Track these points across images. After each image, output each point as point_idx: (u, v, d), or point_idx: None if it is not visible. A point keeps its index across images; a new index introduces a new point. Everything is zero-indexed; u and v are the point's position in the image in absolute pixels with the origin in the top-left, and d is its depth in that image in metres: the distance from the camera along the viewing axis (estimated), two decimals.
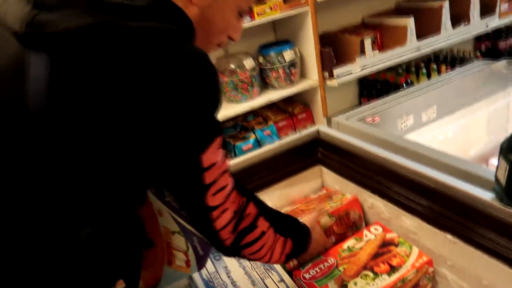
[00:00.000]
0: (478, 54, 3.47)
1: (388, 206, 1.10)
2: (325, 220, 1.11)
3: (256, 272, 1.06)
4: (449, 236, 0.92)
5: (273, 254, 0.85)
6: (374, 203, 1.16)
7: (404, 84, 2.93)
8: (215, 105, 0.69)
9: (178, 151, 0.67)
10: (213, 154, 0.70)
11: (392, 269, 0.95)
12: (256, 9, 2.32)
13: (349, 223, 1.16)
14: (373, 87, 3.00)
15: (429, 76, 3.05)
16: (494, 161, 1.42)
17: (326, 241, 1.09)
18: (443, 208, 0.92)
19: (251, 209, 0.81)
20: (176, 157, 0.68)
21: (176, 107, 0.63)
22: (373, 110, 1.48)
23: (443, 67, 3.10)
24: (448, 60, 3.17)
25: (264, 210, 0.84)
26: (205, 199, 0.72)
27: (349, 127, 1.37)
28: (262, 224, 0.82)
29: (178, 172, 0.70)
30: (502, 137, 0.81)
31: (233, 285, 1.02)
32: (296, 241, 0.91)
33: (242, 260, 1.10)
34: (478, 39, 3.45)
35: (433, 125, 1.54)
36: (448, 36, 2.84)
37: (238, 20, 0.81)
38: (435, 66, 3.08)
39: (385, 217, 1.13)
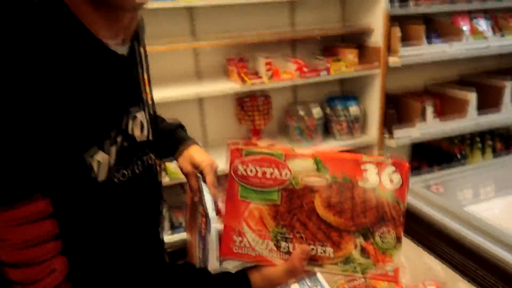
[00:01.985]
0: None
1: (446, 270, 1.22)
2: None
3: None
4: None
5: None
6: (432, 266, 1.29)
7: (458, 155, 3.03)
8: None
9: None
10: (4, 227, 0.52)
11: None
12: (333, 65, 2.53)
13: None
14: (427, 153, 3.11)
15: (483, 151, 3.13)
16: None
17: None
18: (500, 281, 1.05)
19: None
20: None
21: None
22: (432, 177, 1.61)
23: (499, 145, 3.18)
24: (504, 138, 3.25)
25: None
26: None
27: (413, 192, 1.52)
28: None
29: None
30: None
31: None
32: None
33: None
34: None
35: (493, 201, 1.65)
36: (508, 117, 2.94)
37: None
38: (490, 142, 3.16)
39: (441, 280, 1.25)
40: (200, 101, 2.68)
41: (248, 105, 2.60)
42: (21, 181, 0.52)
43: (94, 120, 0.60)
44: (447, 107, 3.02)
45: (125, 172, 0.67)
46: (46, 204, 0.53)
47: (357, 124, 2.77)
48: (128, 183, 0.68)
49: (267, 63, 2.41)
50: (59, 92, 0.54)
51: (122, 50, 0.68)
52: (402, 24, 2.68)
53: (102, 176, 0.61)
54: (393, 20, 2.70)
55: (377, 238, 0.64)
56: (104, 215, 0.63)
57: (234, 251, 0.66)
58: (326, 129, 2.82)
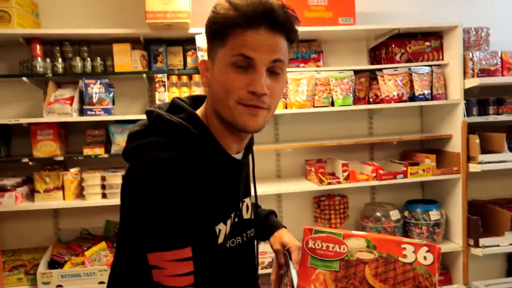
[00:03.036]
0: None
1: None
2: None
3: None
4: None
5: None
6: None
7: None
8: (163, 214, 0.79)
9: (133, 246, 0.83)
10: (160, 260, 0.79)
11: None
12: (410, 169, 2.60)
13: None
14: None
15: None
16: None
17: None
18: None
19: None
20: (132, 250, 0.83)
21: (128, 207, 0.83)
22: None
23: None
24: None
25: None
26: None
27: None
28: None
29: (133, 265, 0.84)
30: None
31: None
32: None
33: None
34: None
35: None
36: None
37: (237, 73, 0.84)
38: None
39: None
40: (278, 197, 2.86)
41: (325, 204, 2.71)
42: (185, 236, 0.81)
43: (224, 205, 0.93)
44: None
45: (234, 240, 0.98)
46: (191, 251, 0.81)
47: (438, 229, 2.70)
48: (236, 249, 0.98)
49: (343, 165, 2.56)
50: (205, 190, 0.87)
51: (239, 156, 0.98)
52: (482, 131, 2.73)
53: (221, 240, 0.91)
54: (472, 127, 2.76)
55: None
56: (219, 270, 0.93)
57: None
58: (406, 234, 2.78)
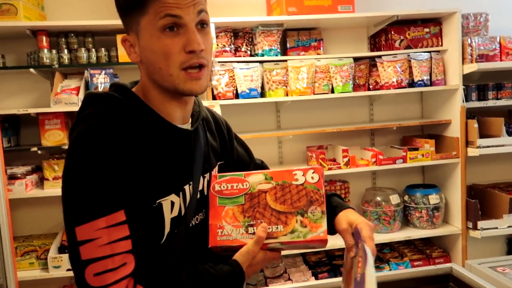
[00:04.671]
0: None
1: None
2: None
3: None
4: None
5: None
6: None
7: None
8: (87, 182, 0.77)
9: (65, 218, 0.79)
10: (92, 231, 0.75)
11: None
12: (409, 154, 2.65)
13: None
14: None
15: None
16: None
17: (272, 258, 0.98)
18: None
19: None
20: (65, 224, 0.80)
21: (64, 176, 0.81)
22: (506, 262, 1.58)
23: None
24: None
25: None
26: (85, 277, 0.75)
27: (480, 272, 1.51)
28: None
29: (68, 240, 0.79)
30: None
31: None
32: None
33: None
34: None
35: None
36: None
37: (172, 38, 0.83)
38: None
39: None
40: None
41: (326, 189, 2.76)
42: (116, 200, 0.80)
43: (171, 175, 0.89)
44: None
45: (198, 216, 0.98)
46: (124, 215, 0.79)
47: (438, 213, 2.76)
48: (200, 225, 0.97)
49: (344, 151, 2.61)
50: (142, 156, 0.84)
51: (186, 126, 0.96)
52: (481, 116, 2.76)
53: (175, 212, 0.90)
54: (472, 112, 2.80)
55: (309, 214, 0.95)
56: (187, 248, 0.93)
57: (218, 239, 0.95)
58: (406, 218, 2.84)
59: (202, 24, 0.86)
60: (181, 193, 0.91)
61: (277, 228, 0.94)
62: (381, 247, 2.92)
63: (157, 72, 0.85)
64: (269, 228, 0.93)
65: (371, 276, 0.87)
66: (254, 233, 0.93)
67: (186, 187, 0.93)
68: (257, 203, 0.96)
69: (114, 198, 0.78)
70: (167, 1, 0.81)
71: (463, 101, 2.69)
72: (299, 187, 0.96)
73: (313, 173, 0.97)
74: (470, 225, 2.71)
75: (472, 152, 2.66)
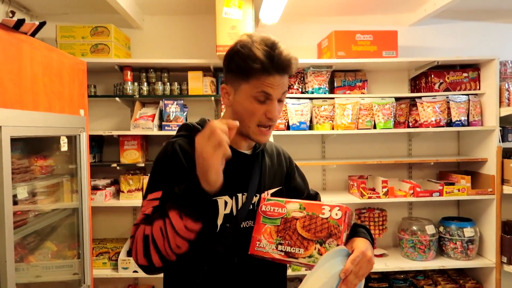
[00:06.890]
0: None
1: None
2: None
3: None
4: None
5: (158, 240, 1.02)
6: None
7: None
8: (157, 171, 1.14)
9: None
10: (145, 201, 1.11)
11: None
12: (445, 188, 2.85)
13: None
14: None
15: None
16: None
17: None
18: None
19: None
20: None
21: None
22: None
23: None
24: None
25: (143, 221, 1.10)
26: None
27: None
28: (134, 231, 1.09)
29: None
30: None
31: None
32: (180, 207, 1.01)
33: None
34: None
35: None
36: None
37: (260, 104, 1.13)
38: None
39: None
40: None
41: (365, 216, 3.01)
42: (160, 185, 1.13)
43: (226, 182, 1.06)
44: None
45: (248, 222, 1.22)
46: (160, 194, 1.11)
47: (472, 245, 2.91)
48: (247, 231, 1.21)
49: (383, 181, 2.86)
50: None
51: (248, 152, 1.27)
52: None
53: (227, 210, 1.18)
54: (508, 152, 2.97)
55: (326, 245, 1.10)
56: (234, 248, 1.19)
57: (256, 249, 1.17)
58: (441, 248, 3.01)
59: (280, 100, 1.18)
60: (234, 197, 1.19)
61: (299, 250, 1.12)
62: (415, 274, 3.09)
63: (240, 120, 1.14)
64: (292, 249, 1.13)
65: (318, 279, 1.02)
66: (282, 250, 1.14)
67: (239, 195, 1.21)
68: (288, 227, 1.15)
69: (160, 184, 1.12)
70: (265, 81, 1.10)
71: (500, 141, 2.88)
72: (323, 220, 1.12)
73: (338, 210, 1.12)
74: (505, 259, 2.85)
75: (507, 190, 2.82)
